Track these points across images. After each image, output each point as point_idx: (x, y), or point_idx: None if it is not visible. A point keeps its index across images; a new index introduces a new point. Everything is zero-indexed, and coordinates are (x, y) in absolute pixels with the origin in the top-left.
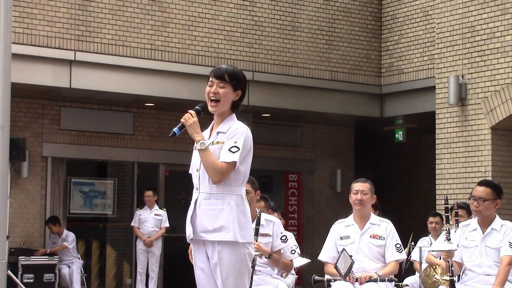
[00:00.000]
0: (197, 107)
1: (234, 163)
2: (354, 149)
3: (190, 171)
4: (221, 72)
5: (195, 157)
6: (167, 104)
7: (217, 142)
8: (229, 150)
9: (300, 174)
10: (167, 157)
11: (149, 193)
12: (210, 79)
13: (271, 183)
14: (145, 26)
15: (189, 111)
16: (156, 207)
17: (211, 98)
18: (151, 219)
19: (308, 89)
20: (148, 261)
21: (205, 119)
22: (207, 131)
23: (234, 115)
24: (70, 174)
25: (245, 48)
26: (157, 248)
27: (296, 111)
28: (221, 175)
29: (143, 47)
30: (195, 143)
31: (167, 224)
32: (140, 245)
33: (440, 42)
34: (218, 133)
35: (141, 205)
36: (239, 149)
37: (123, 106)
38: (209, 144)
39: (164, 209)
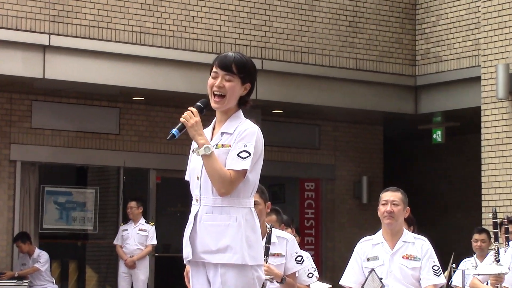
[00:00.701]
0: (198, 104)
1: (244, 171)
2: (383, 152)
3: (187, 178)
4: (227, 61)
5: (195, 162)
6: (159, 98)
7: (222, 145)
8: (238, 155)
9: (318, 182)
10: (159, 161)
11: (132, 204)
12: (214, 69)
13: (284, 193)
14: (133, 5)
15: (189, 108)
16: (141, 221)
17: (215, 92)
18: (134, 235)
19: (328, 80)
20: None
21: (206, 115)
22: (208, 130)
23: (241, 112)
24: (43, 181)
25: (253, 31)
26: (142, 271)
27: (314, 106)
28: (229, 185)
29: (131, 30)
30: (193, 146)
31: (154, 241)
32: (122, 268)
33: (486, 24)
34: (222, 133)
35: (127, 219)
36: (250, 154)
37: (106, 100)
38: (213, 148)
39: (152, 223)
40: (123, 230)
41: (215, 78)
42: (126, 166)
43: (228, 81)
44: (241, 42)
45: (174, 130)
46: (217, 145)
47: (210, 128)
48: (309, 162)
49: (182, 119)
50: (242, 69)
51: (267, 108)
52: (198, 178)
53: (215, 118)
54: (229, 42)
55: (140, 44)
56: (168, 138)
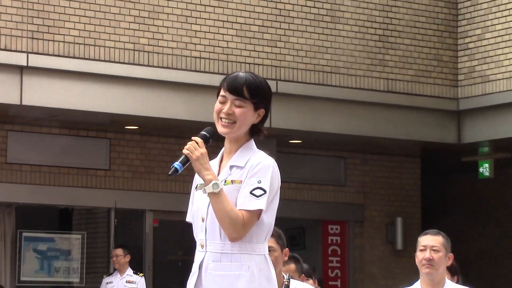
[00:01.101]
0: (203, 133)
1: (259, 211)
2: (421, 189)
3: (188, 219)
4: (238, 84)
5: (199, 200)
6: (156, 127)
7: (232, 181)
8: (251, 193)
9: (344, 225)
10: (156, 201)
11: (118, 251)
12: (222, 92)
13: (304, 238)
14: (125, 18)
15: (193, 138)
16: (129, 271)
17: (223, 120)
18: None
19: (355, 105)
20: None
21: (211, 146)
22: (215, 163)
23: (253, 142)
24: (20, 226)
25: (266, 48)
26: None
27: (338, 135)
28: (242, 228)
29: (123, 47)
30: (196, 181)
31: None
32: None
33: None
34: (232, 167)
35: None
36: (265, 192)
37: (94, 130)
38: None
39: (141, 274)
40: (107, 283)
41: (223, 103)
42: (118, 207)
43: (238, 107)
44: (251, 61)
45: (176, 164)
46: (225, 180)
47: (216, 160)
48: (333, 201)
49: (185, 151)
50: (256, 93)
51: (283, 138)
52: (203, 219)
53: (223, 148)
54: (238, 60)
55: (133, 63)
56: (169, 173)
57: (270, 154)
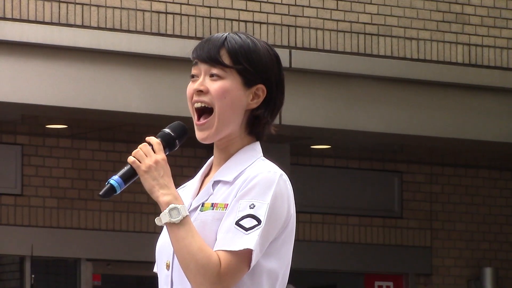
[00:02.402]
0: (166, 130)
1: (247, 254)
2: None
3: (155, 270)
4: (211, 45)
5: (165, 237)
6: (94, 127)
7: (213, 205)
8: (237, 224)
9: (399, 280)
10: (97, 245)
11: None
12: (193, 66)
13: None
14: None
15: (147, 139)
16: None
17: (195, 105)
18: None
19: (416, 87)
20: None
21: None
22: (196, 179)
23: (255, 145)
24: None
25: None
26: None
27: (390, 137)
28: (217, 281)
29: None
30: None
31: None
32: None
33: None
34: (216, 183)
35: None
36: (259, 223)
37: None
38: (195, 210)
39: None
40: None
41: (195, 80)
42: (37, 256)
43: (214, 80)
44: (248, 17)
45: (114, 179)
46: (203, 204)
47: (198, 176)
48: (382, 244)
49: (130, 159)
50: (241, 56)
51: (300, 142)
52: (168, 266)
53: (211, 158)
54: (226, 16)
55: (58, 23)
56: (101, 193)
57: (282, 167)
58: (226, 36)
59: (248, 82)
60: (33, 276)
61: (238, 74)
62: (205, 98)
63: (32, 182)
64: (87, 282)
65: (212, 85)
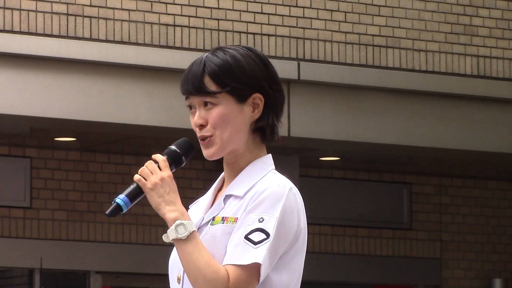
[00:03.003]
0: (173, 147)
1: (255, 268)
2: None
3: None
4: (193, 76)
5: (176, 254)
6: (104, 139)
7: (223, 219)
8: (246, 238)
9: None
10: (106, 257)
11: None
12: (186, 99)
13: None
14: None
15: (153, 156)
16: None
17: (200, 137)
18: None
19: (425, 99)
20: None
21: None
22: (209, 194)
23: (267, 158)
24: None
25: (280, 8)
26: None
27: (399, 148)
28: None
29: (49, 11)
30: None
31: None
32: None
33: None
34: (227, 197)
35: None
36: (268, 236)
37: (6, 144)
38: (206, 224)
39: None
40: None
41: (193, 112)
42: (46, 268)
43: (208, 110)
44: (256, 29)
45: (120, 198)
46: (214, 218)
47: (211, 191)
48: (392, 255)
49: (136, 177)
50: (226, 75)
51: (309, 154)
52: (179, 280)
53: (222, 173)
54: (234, 29)
55: (66, 36)
56: (107, 212)
57: (291, 179)
58: (204, 61)
59: (242, 97)
60: None
61: (230, 95)
62: (207, 133)
63: (41, 195)
64: None
65: (209, 114)
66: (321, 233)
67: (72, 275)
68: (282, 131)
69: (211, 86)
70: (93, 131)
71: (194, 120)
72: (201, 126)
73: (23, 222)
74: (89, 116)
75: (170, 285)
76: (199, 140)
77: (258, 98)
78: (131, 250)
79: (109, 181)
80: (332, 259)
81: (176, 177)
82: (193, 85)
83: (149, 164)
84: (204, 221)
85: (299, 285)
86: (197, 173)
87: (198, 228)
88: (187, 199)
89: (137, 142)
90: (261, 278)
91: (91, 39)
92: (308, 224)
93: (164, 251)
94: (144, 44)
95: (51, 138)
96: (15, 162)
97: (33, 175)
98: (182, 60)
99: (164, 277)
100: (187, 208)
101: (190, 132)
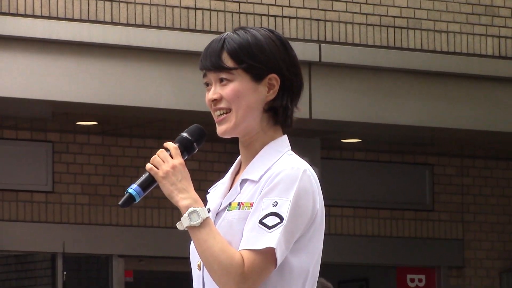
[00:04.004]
0: (184, 134)
1: (269, 253)
2: None
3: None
4: (212, 52)
5: None
6: (126, 123)
7: (239, 204)
8: (260, 223)
9: (431, 274)
10: (129, 241)
11: None
12: (203, 76)
13: None
14: None
15: (165, 144)
16: None
17: (216, 114)
18: None
19: (446, 80)
20: None
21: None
22: (227, 178)
23: (282, 140)
24: None
25: None
26: None
27: (420, 129)
28: (241, 280)
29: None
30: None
31: None
32: None
33: None
34: (243, 182)
35: None
36: (281, 220)
37: (28, 129)
38: (224, 210)
39: None
40: None
41: (209, 89)
42: (68, 252)
43: (224, 85)
44: (277, 11)
45: (132, 188)
46: (230, 204)
47: (229, 175)
48: (414, 237)
49: (148, 166)
50: (243, 53)
51: (331, 136)
52: (199, 267)
53: (239, 157)
54: (255, 11)
55: (87, 20)
56: (120, 202)
57: (313, 162)
58: (224, 39)
59: (257, 76)
60: (65, 273)
61: (245, 72)
62: (222, 105)
63: (63, 179)
64: (119, 279)
65: (224, 90)
66: (343, 215)
67: (95, 259)
68: (303, 113)
69: (227, 62)
70: (115, 115)
71: (209, 95)
72: (215, 101)
73: (46, 206)
74: (110, 100)
75: (193, 277)
76: (214, 116)
77: (274, 79)
78: (153, 233)
79: (131, 165)
80: (354, 241)
81: (197, 160)
82: (211, 60)
83: (161, 152)
84: (222, 207)
85: (319, 266)
86: (219, 156)
87: (216, 214)
88: (209, 182)
89: (159, 126)
90: (278, 262)
91: (112, 23)
92: (330, 206)
93: (187, 235)
94: (165, 28)
95: (72, 122)
96: (37, 146)
97: (55, 160)
98: (203, 43)
99: (187, 260)
100: (206, 193)
101: (211, 115)
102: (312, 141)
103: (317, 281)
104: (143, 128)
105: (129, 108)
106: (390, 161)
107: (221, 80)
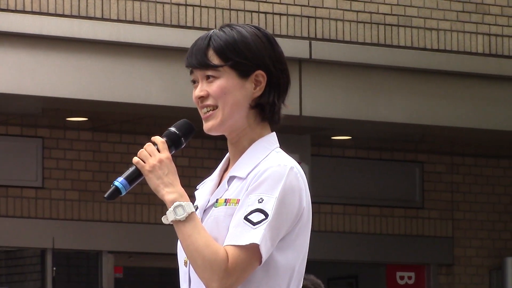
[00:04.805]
0: (172, 129)
1: (255, 248)
2: None
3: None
4: (198, 49)
5: None
6: (116, 119)
7: (226, 201)
8: (245, 219)
9: (421, 271)
10: (118, 237)
11: None
12: (190, 74)
13: None
14: None
15: (153, 138)
16: None
17: (203, 111)
18: None
19: (436, 78)
20: None
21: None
22: (215, 175)
23: (271, 137)
24: None
25: None
26: None
27: (410, 127)
28: (225, 276)
29: None
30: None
31: None
32: None
33: None
34: (231, 179)
35: None
36: (266, 216)
37: (18, 124)
38: (211, 206)
39: None
40: None
41: (196, 86)
42: (58, 248)
43: (210, 82)
44: (268, 8)
45: (118, 181)
46: (217, 200)
47: (218, 170)
48: (404, 234)
49: (134, 159)
50: (229, 50)
51: (321, 133)
52: (186, 263)
53: (227, 154)
54: (246, 8)
55: (78, 16)
56: (106, 195)
57: (303, 159)
58: (210, 36)
59: (244, 73)
60: (54, 268)
61: (232, 69)
62: (208, 102)
63: (53, 175)
64: (108, 275)
65: (210, 87)
66: (333, 212)
67: (84, 255)
68: (294, 110)
69: (214, 59)
70: (105, 111)
71: (195, 92)
72: (202, 98)
73: (35, 202)
74: (100, 96)
75: (180, 274)
76: (201, 113)
77: (260, 75)
78: (143, 229)
79: (121, 161)
80: (343, 238)
81: (187, 156)
82: (196, 58)
83: (148, 146)
84: (209, 203)
85: (305, 263)
86: (209, 153)
87: (204, 210)
88: (199, 178)
89: (149, 122)
90: (263, 259)
91: (102, 18)
92: (320, 203)
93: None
94: (156, 24)
95: (63, 118)
96: (27, 142)
97: (45, 155)
98: (194, 39)
99: (176, 256)
100: (194, 189)
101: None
102: (302, 138)
103: (307, 278)
104: (133, 124)
105: (120, 104)
106: (380, 158)
107: (208, 77)
